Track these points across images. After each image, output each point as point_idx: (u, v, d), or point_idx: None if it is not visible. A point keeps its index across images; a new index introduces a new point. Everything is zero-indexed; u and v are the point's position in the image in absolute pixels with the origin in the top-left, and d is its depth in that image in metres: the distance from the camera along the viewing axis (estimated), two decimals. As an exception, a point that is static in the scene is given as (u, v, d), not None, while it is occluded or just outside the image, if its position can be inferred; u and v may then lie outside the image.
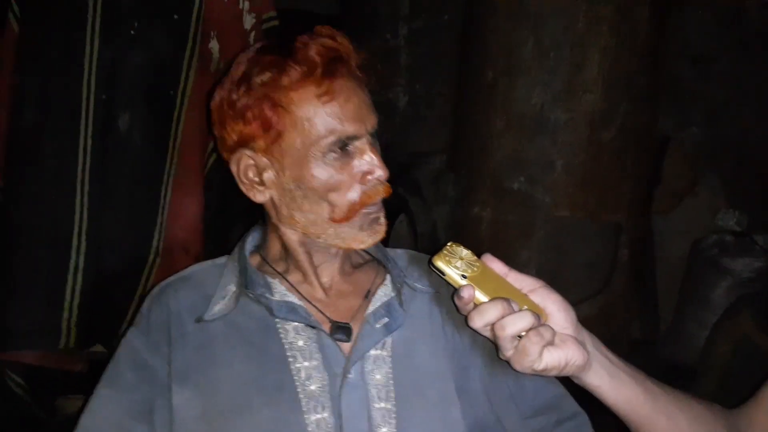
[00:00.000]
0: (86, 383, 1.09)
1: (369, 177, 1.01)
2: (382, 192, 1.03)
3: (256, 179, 1.04)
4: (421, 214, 2.89)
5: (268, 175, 1.02)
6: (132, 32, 1.45)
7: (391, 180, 1.07)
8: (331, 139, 0.98)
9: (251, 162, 1.03)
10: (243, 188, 1.06)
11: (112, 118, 1.48)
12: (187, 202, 1.58)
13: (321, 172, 0.99)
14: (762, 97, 2.94)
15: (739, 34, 2.95)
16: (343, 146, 0.99)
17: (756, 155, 2.98)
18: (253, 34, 1.59)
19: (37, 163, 1.45)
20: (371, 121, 1.02)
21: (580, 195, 2.47)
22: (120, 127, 1.49)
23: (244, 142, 1.02)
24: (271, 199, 1.04)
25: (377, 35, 3.07)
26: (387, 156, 1.06)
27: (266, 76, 0.99)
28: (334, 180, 0.99)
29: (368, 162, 1.01)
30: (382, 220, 1.06)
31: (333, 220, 1.01)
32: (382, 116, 1.07)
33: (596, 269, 2.57)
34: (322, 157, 0.98)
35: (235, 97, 1.00)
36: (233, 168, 1.05)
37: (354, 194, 1.01)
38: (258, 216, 1.33)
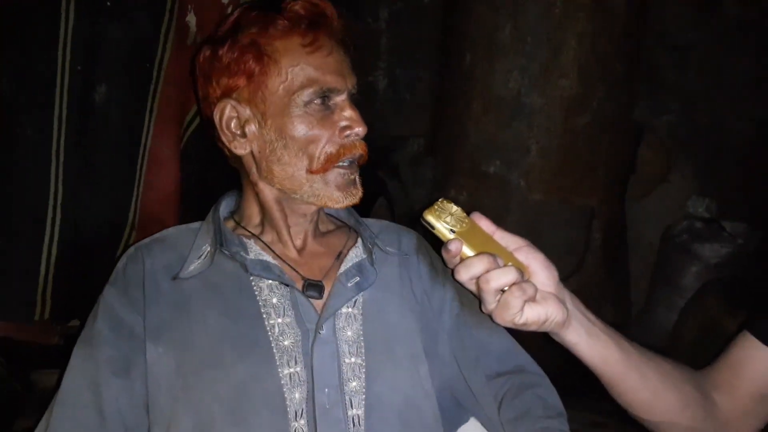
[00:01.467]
0: (62, 357, 1.10)
1: (348, 132, 1.05)
2: (359, 147, 1.07)
3: (238, 132, 1.07)
4: (399, 197, 2.92)
5: (251, 128, 1.06)
6: (108, 3, 1.45)
7: (371, 163, 1.11)
8: (313, 88, 1.03)
9: (234, 114, 1.06)
10: (224, 139, 1.09)
11: (89, 90, 1.47)
12: (163, 175, 1.58)
13: (302, 122, 1.03)
14: (737, 87, 3.00)
15: (715, 24, 3.00)
16: (324, 99, 1.04)
17: (729, 144, 3.04)
18: (230, 8, 1.59)
19: (12, 133, 1.44)
20: (351, 80, 1.07)
21: (554, 179, 2.52)
22: (96, 99, 1.48)
23: (228, 92, 1.06)
24: (251, 153, 1.08)
25: (358, 18, 3.08)
26: (367, 139, 1.10)
27: (253, 30, 1.04)
28: (313, 131, 1.03)
29: (347, 117, 1.05)
30: (358, 184, 1.10)
31: (310, 171, 1.05)
32: (361, 99, 1.12)
33: (570, 252, 2.62)
34: (303, 106, 1.03)
35: (221, 52, 1.05)
36: (216, 117, 1.07)
37: (331, 147, 1.05)
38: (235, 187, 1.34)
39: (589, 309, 0.98)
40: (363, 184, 1.11)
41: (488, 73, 2.52)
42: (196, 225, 1.15)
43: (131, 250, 1.12)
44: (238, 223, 1.16)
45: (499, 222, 0.97)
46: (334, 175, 1.06)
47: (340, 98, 1.06)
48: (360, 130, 1.06)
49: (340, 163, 1.06)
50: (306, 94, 1.03)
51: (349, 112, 1.06)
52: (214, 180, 1.72)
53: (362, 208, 1.14)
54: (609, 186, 2.70)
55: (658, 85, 3.03)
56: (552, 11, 2.43)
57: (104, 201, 1.56)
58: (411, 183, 2.94)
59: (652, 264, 3.05)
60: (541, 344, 1.02)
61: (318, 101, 1.04)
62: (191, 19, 1.55)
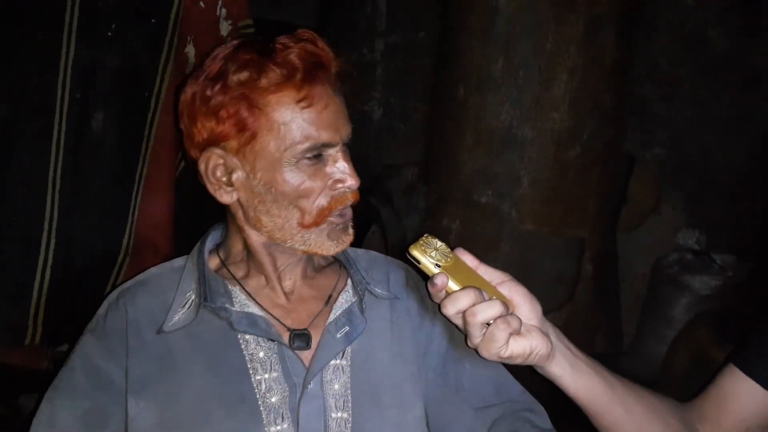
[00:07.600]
0: (51, 382, 1.09)
1: (339, 185, 1.01)
2: (350, 198, 1.03)
3: (224, 179, 1.02)
4: (392, 225, 2.94)
5: (237, 176, 1.00)
6: (109, 34, 1.47)
7: (365, 191, 1.10)
8: (306, 145, 0.97)
9: (220, 161, 1.01)
10: (210, 188, 1.04)
11: (87, 117, 1.49)
12: (158, 203, 1.60)
13: (293, 178, 0.98)
14: (724, 120, 3.06)
15: (702, 59, 3.07)
16: (317, 154, 0.99)
17: (716, 177, 3.08)
18: (229, 40, 1.63)
19: (9, 158, 1.46)
20: (346, 130, 1.02)
21: (545, 210, 2.55)
22: (94, 127, 1.51)
23: (215, 141, 1.00)
24: (238, 201, 1.03)
25: (354, 49, 3.13)
26: (361, 167, 1.07)
27: (244, 76, 0.97)
28: (305, 186, 0.99)
29: (340, 171, 1.01)
30: (350, 230, 1.08)
31: (302, 225, 1.01)
32: (357, 128, 1.09)
33: (560, 283, 2.63)
34: (295, 162, 0.98)
35: (209, 93, 0.98)
36: (201, 166, 1.03)
37: (323, 200, 1.01)
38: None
39: (579, 340, 0.99)
40: (356, 219, 1.09)
41: (480, 105, 2.56)
42: (180, 262, 1.11)
43: (113, 296, 1.08)
44: (223, 261, 1.11)
45: (491, 252, 0.98)
46: (327, 226, 1.03)
47: (333, 150, 1.01)
48: (353, 183, 1.01)
49: (332, 218, 1.02)
50: (299, 151, 0.97)
51: (342, 164, 1.01)
52: (208, 208, 1.73)
53: (355, 236, 1.14)
54: (600, 217, 2.73)
55: (648, 118, 3.08)
56: (544, 45, 2.48)
57: (99, 227, 1.57)
58: (404, 211, 2.96)
59: (644, 295, 3.06)
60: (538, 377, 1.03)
61: (311, 157, 0.99)
62: (190, 49, 1.58)
